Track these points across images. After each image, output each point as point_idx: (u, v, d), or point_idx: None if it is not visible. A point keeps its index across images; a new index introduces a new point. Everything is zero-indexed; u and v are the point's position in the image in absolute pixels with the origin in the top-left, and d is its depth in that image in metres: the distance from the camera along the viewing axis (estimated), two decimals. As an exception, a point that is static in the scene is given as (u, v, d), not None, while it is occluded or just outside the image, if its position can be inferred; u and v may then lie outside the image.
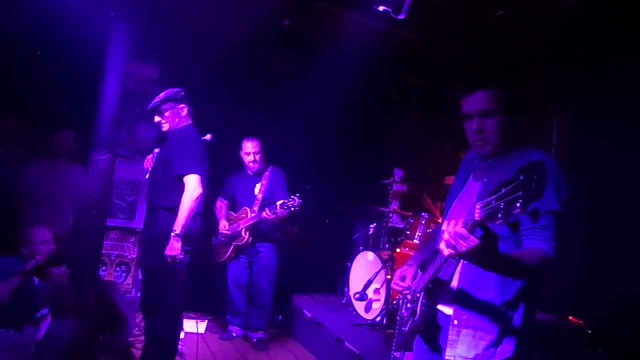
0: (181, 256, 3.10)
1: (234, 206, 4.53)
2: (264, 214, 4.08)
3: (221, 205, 4.57)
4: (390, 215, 5.06)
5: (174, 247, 3.06)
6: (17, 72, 4.06)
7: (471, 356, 1.69)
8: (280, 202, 3.95)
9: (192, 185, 3.10)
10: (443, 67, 4.72)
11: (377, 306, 4.37)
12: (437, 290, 1.80)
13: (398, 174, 5.31)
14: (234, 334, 4.46)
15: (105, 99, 3.67)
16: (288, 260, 4.61)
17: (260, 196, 4.35)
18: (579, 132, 4.14)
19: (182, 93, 3.38)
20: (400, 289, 1.94)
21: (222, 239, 4.41)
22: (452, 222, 1.42)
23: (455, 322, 1.74)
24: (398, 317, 1.99)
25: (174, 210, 3.12)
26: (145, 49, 4.15)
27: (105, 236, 4.37)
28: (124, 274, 5.06)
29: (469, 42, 4.08)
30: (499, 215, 1.27)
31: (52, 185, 4.05)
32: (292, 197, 3.93)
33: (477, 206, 1.34)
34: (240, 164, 4.50)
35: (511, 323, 1.70)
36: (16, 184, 3.93)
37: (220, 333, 4.51)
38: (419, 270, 1.97)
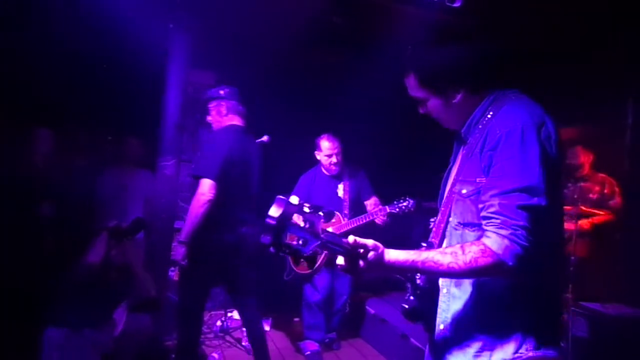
0: (183, 263, 3.00)
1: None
2: (376, 218, 3.82)
3: None
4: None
5: (177, 253, 3.01)
6: (87, 86, 4.33)
7: None
8: (390, 205, 3.76)
9: (201, 189, 2.94)
10: (504, 51, 4.54)
11: (441, 302, 4.27)
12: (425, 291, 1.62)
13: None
14: (317, 349, 4.07)
15: (168, 107, 3.85)
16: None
17: (346, 197, 4.09)
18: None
19: (224, 90, 3.27)
20: None
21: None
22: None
23: (441, 327, 1.54)
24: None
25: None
26: (201, 57, 4.29)
27: (173, 238, 4.55)
28: (191, 274, 5.25)
29: (531, 23, 3.88)
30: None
31: (122, 192, 4.29)
32: (406, 198, 3.72)
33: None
34: (303, 164, 4.31)
35: (506, 325, 1.39)
36: (91, 193, 4.18)
37: (286, 331, 4.55)
38: None
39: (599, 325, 3.48)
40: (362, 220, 3.91)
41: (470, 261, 1.28)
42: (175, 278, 5.03)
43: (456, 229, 1.49)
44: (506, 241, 1.27)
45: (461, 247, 1.32)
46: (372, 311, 4.53)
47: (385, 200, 4.01)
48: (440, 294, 1.55)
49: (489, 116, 1.46)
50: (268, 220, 1.22)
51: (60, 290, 3.04)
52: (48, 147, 3.94)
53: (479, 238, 1.35)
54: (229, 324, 4.43)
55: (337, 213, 4.03)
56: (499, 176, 1.33)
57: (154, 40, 3.76)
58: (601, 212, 4.27)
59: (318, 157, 4.16)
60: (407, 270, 1.38)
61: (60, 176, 3.86)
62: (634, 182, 3.91)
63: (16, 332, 2.99)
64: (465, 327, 1.46)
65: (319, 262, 4.03)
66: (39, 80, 4.09)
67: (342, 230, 3.93)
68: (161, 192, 3.89)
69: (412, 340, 3.76)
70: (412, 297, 1.60)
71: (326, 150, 4.07)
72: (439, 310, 1.55)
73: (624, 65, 4.04)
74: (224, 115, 3.25)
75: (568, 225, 4.21)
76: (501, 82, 1.55)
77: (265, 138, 3.59)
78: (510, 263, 1.26)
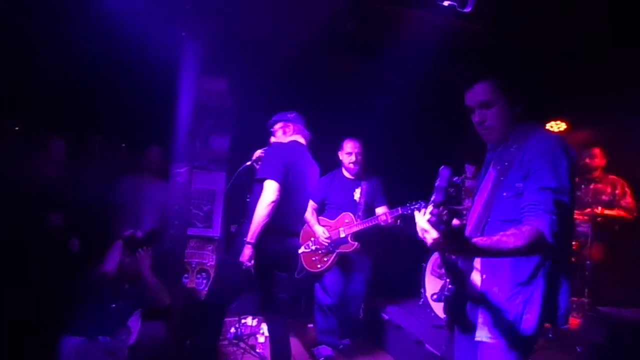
0: (249, 264, 3.01)
1: (322, 210, 4.32)
2: (383, 218, 3.93)
3: (312, 209, 4.22)
4: (464, 212, 4.90)
5: (243, 254, 3.01)
6: (101, 94, 4.37)
7: (493, 336, 1.78)
8: (402, 207, 3.86)
9: (267, 190, 3.03)
10: (512, 57, 4.54)
11: (456, 307, 4.24)
12: (463, 278, 1.92)
13: (470, 170, 5.13)
14: (331, 353, 4.09)
15: (181, 114, 3.86)
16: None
17: (362, 201, 4.18)
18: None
19: (292, 114, 3.42)
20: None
21: (315, 247, 4.15)
22: (424, 213, 1.54)
23: (481, 304, 1.84)
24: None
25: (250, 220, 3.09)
26: (213, 64, 4.31)
27: (186, 245, 4.56)
28: (204, 281, 5.26)
29: (541, 28, 3.88)
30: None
31: (138, 199, 4.32)
32: (418, 201, 3.76)
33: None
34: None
35: (525, 305, 1.74)
36: (109, 197, 4.22)
37: (300, 337, 4.52)
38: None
39: (615, 329, 3.45)
40: (373, 222, 4.01)
41: (527, 237, 1.60)
42: (189, 285, 5.07)
43: (495, 225, 1.82)
44: (546, 223, 1.63)
45: (517, 229, 1.63)
46: (387, 317, 4.51)
47: (398, 202, 4.05)
48: (480, 279, 1.86)
49: (518, 141, 1.83)
50: (440, 182, 1.47)
51: (76, 299, 3.07)
52: (62, 156, 3.98)
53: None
54: (243, 330, 4.42)
55: (350, 214, 4.15)
56: (540, 178, 1.71)
57: (167, 47, 3.79)
58: (614, 212, 4.28)
59: (340, 157, 4.30)
60: (482, 250, 1.62)
61: (77, 184, 3.89)
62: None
63: (34, 340, 3.01)
64: (499, 302, 1.79)
65: (329, 262, 4.09)
66: (54, 88, 4.14)
67: (353, 230, 4.05)
68: (174, 199, 3.90)
69: (427, 346, 3.74)
70: (451, 286, 1.96)
71: (347, 148, 4.21)
72: (478, 292, 1.86)
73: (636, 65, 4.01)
74: (289, 135, 3.38)
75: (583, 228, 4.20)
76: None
77: None
78: (550, 240, 1.62)
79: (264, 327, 4.27)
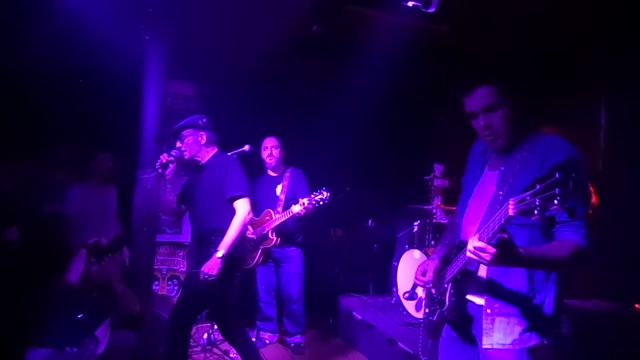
0: (215, 277, 2.98)
1: (254, 209, 4.28)
2: (294, 209, 3.98)
3: None
4: (434, 211, 4.99)
5: (213, 266, 2.98)
6: (64, 100, 4.26)
7: (508, 342, 1.73)
8: (308, 198, 3.90)
9: (244, 208, 3.12)
10: (477, 57, 4.62)
11: (427, 304, 4.31)
12: (465, 280, 1.86)
13: (438, 169, 5.23)
14: (267, 341, 4.46)
15: (146, 119, 3.80)
16: (334, 262, 4.58)
17: (282, 197, 4.31)
18: (629, 113, 3.96)
19: (204, 120, 3.32)
20: (422, 284, 2.04)
21: (247, 245, 4.26)
22: (473, 238, 1.52)
23: (489, 311, 1.77)
24: (426, 308, 2.10)
25: (222, 233, 3.08)
26: (179, 67, 4.26)
27: (155, 252, 4.49)
28: (175, 287, 5.19)
29: (505, 29, 3.97)
30: (535, 211, 1.31)
31: (90, 207, 4.24)
32: (321, 190, 3.87)
33: (511, 202, 1.40)
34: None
35: (542, 308, 1.73)
36: (62, 206, 4.13)
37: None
38: (440, 263, 2.03)
39: (579, 321, 3.54)
40: (288, 215, 4.07)
41: (570, 251, 1.60)
42: (160, 293, 4.98)
43: (512, 229, 1.67)
44: (585, 237, 1.64)
45: (560, 243, 1.64)
46: (359, 316, 4.53)
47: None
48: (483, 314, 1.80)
49: (528, 145, 1.77)
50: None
51: (42, 311, 2.98)
52: (21, 167, 3.88)
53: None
54: (215, 336, 4.38)
55: (270, 210, 4.26)
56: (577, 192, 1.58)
57: (131, 51, 3.73)
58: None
59: (262, 157, 4.40)
60: (536, 261, 1.62)
61: (35, 193, 3.79)
62: (607, 183, 4.00)
63: (0, 353, 2.91)
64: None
65: (256, 258, 4.26)
66: (15, 95, 4.02)
67: (272, 225, 4.15)
68: (142, 206, 3.83)
69: (400, 344, 3.77)
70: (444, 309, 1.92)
71: (264, 143, 4.36)
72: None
73: (597, 67, 4.14)
74: (201, 144, 3.30)
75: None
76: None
77: (246, 147, 3.68)
78: (590, 255, 1.64)
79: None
